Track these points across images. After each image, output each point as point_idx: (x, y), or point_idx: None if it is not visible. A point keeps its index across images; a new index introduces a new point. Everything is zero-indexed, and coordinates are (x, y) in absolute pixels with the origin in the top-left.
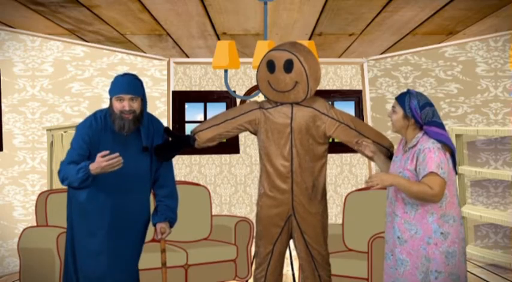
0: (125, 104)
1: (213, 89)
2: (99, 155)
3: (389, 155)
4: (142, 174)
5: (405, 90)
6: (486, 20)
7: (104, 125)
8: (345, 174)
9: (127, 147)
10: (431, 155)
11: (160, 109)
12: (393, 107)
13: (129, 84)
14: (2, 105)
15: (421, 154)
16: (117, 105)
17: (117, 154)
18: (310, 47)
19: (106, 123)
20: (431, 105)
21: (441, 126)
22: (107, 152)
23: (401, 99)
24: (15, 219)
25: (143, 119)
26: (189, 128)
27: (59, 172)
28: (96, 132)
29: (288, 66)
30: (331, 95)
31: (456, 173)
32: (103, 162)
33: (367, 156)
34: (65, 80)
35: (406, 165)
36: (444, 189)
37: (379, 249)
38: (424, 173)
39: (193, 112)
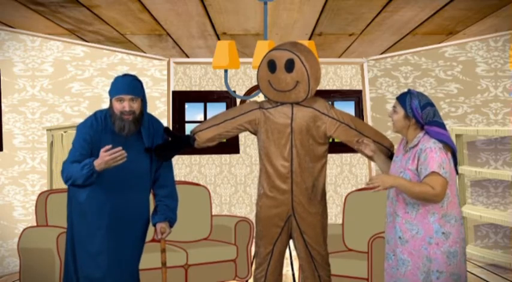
0: (125, 105)
1: (213, 89)
2: (102, 150)
3: (389, 155)
4: (142, 174)
5: (406, 90)
6: (486, 20)
7: (104, 126)
8: (345, 174)
9: (127, 148)
10: (433, 155)
11: (160, 109)
12: (394, 107)
13: (129, 85)
14: (2, 105)
15: (422, 154)
16: (117, 106)
17: (120, 148)
18: (310, 47)
19: (106, 124)
20: (432, 105)
21: (442, 126)
22: (109, 146)
23: (402, 99)
24: (15, 219)
25: (143, 120)
26: (189, 128)
27: (62, 172)
28: (96, 132)
29: (289, 65)
30: (331, 95)
31: (457, 173)
32: (106, 156)
33: (367, 155)
34: (65, 80)
35: (407, 165)
36: (446, 189)
37: (379, 249)
38: (426, 173)
39: (193, 112)
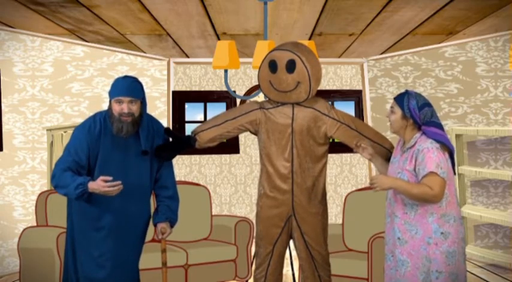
0: (124, 107)
1: (213, 89)
2: (101, 178)
3: (389, 156)
4: (142, 176)
5: (403, 90)
6: (486, 20)
7: (103, 128)
8: (345, 174)
9: (127, 150)
10: (431, 155)
11: (160, 109)
12: (391, 107)
13: (128, 87)
14: (2, 105)
15: (419, 154)
16: (116, 108)
17: (119, 182)
18: (310, 47)
19: (106, 125)
20: (429, 105)
21: (440, 126)
22: (110, 178)
23: (399, 99)
24: (15, 219)
25: (143, 121)
26: (189, 128)
27: (53, 177)
28: (95, 135)
29: (291, 66)
30: (331, 95)
31: (455, 173)
32: (104, 187)
33: (365, 158)
34: (65, 80)
35: (405, 165)
36: (444, 189)
37: (379, 249)
38: (424, 173)
39: (193, 112)
